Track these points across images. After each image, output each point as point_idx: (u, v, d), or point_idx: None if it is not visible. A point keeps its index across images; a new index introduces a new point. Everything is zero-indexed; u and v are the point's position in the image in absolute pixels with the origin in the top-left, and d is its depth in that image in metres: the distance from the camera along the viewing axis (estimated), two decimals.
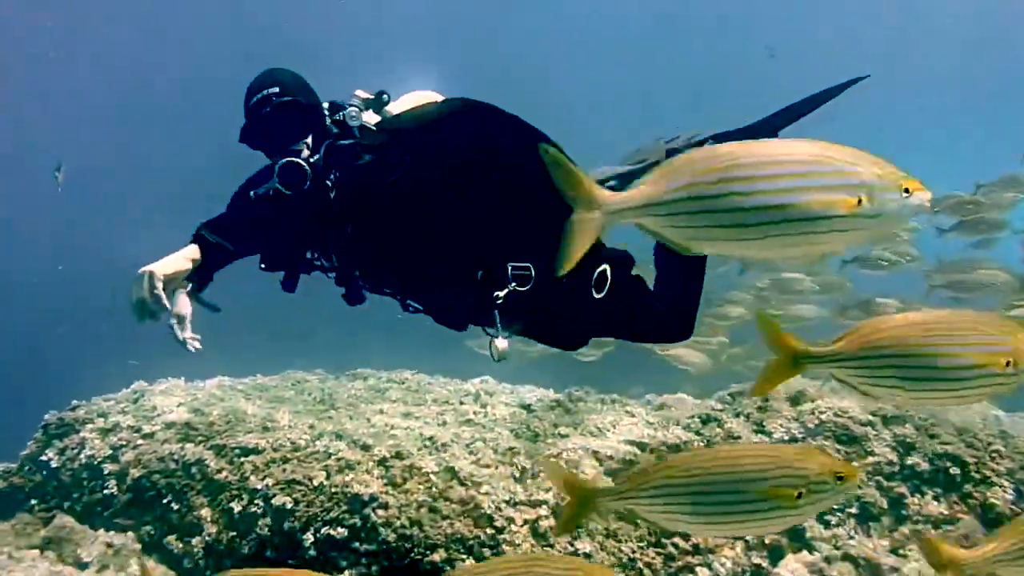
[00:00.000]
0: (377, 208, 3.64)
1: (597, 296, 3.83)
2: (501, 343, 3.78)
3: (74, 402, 6.11)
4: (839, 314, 8.18)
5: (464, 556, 4.89)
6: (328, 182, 3.57)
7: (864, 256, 8.42)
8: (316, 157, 3.58)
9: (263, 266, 3.86)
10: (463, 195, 3.61)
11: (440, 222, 3.68)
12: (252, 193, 3.59)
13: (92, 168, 24.47)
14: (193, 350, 3.40)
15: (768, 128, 4.34)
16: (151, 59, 29.14)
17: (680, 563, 4.97)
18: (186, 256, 3.52)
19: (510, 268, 3.70)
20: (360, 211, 3.63)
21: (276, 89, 3.60)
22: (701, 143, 4.46)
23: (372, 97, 3.68)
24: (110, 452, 5.49)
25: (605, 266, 3.83)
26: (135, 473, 5.32)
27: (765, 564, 4.90)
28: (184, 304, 3.47)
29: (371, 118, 3.66)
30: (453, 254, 3.78)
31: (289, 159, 3.54)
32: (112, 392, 6.30)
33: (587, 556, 4.89)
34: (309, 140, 3.62)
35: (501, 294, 3.70)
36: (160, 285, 3.25)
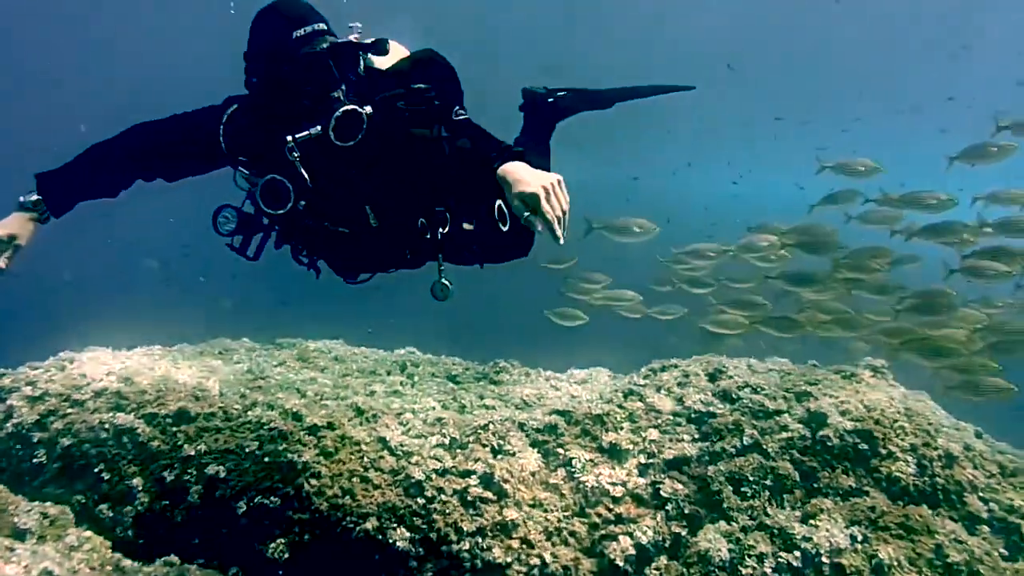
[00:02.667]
0: (401, 160, 3.82)
1: (504, 229, 4.10)
2: (447, 282, 4.04)
3: (0, 370, 6.04)
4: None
5: (395, 525, 5.01)
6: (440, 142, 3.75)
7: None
8: (368, 110, 3.63)
9: (229, 228, 3.90)
10: (436, 146, 3.74)
11: (420, 172, 3.89)
12: (291, 137, 3.59)
13: None
14: (3, 264, 3.35)
15: (607, 99, 4.95)
16: None
17: (604, 531, 5.16)
18: None
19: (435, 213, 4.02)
20: (397, 163, 3.81)
21: (324, 26, 3.61)
22: (552, 96, 4.94)
23: (369, 44, 3.75)
24: (39, 421, 5.45)
25: (499, 201, 4.08)
26: (65, 442, 5.30)
27: (684, 533, 5.11)
28: (26, 229, 3.47)
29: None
30: (420, 202, 4.00)
31: (352, 107, 3.58)
32: (38, 360, 6.21)
33: (514, 525, 5.05)
34: (344, 87, 3.67)
35: (438, 236, 4.04)
36: None
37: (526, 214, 2.99)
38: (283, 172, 3.70)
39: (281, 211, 3.73)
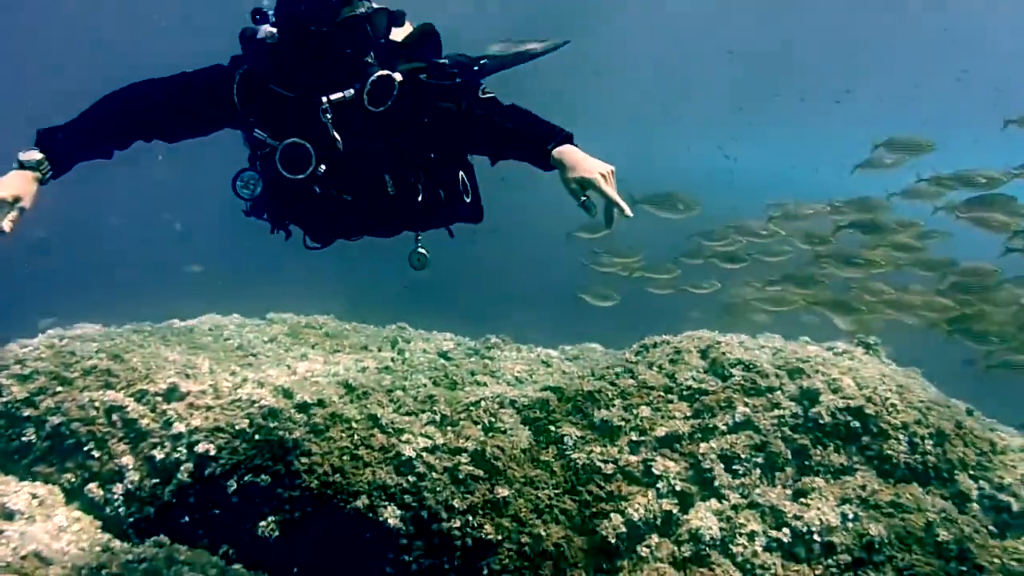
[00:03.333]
0: (430, 130, 3.91)
1: (467, 200, 4.26)
2: (424, 251, 4.11)
3: None
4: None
5: (386, 503, 5.00)
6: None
7: None
8: (399, 77, 3.67)
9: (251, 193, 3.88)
10: (471, 121, 3.81)
11: (448, 144, 4.02)
12: (326, 99, 3.60)
13: None
14: (7, 227, 3.15)
15: (513, 62, 5.42)
16: None
17: (595, 509, 5.16)
18: None
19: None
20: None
21: None
22: (476, 64, 5.03)
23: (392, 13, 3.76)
24: (28, 399, 5.43)
25: (461, 172, 4.24)
26: (54, 420, 5.28)
27: (675, 511, 5.10)
28: (29, 190, 3.27)
29: None
30: (435, 171, 4.14)
31: (385, 73, 3.63)
32: (27, 337, 6.18)
33: (506, 502, 5.05)
34: (373, 54, 3.70)
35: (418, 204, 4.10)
36: None
37: (583, 197, 3.20)
38: (303, 136, 3.69)
39: (301, 176, 3.71)
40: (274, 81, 3.68)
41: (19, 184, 3.24)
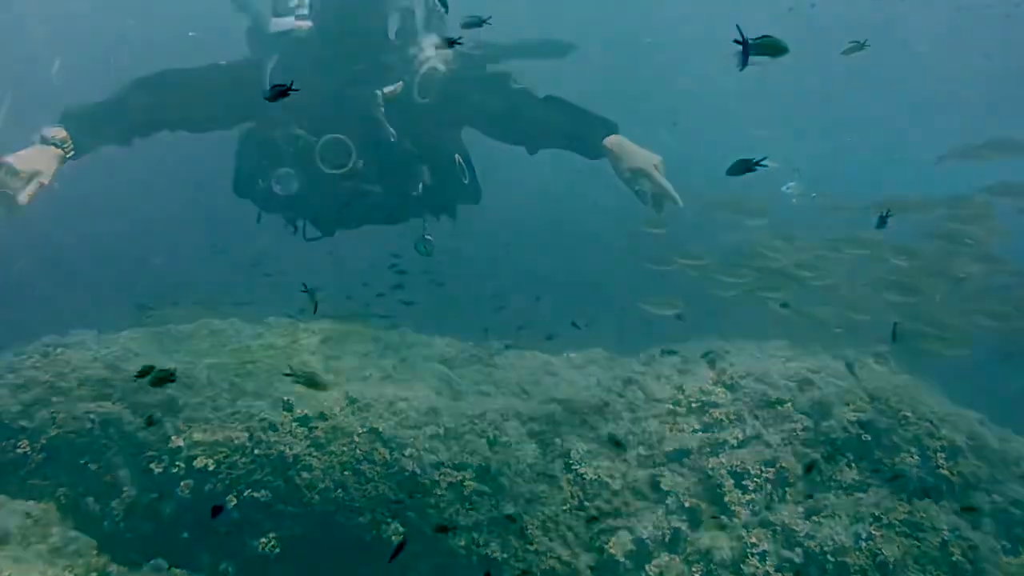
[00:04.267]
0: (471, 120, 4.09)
1: (465, 182, 4.20)
2: (430, 237, 4.10)
3: None
4: None
5: (389, 519, 4.91)
6: None
7: None
8: (442, 68, 3.74)
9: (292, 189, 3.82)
10: (511, 111, 3.87)
11: (488, 131, 4.09)
12: (380, 92, 3.62)
13: None
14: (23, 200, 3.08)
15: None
16: None
17: (602, 525, 5.08)
18: None
19: None
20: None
21: None
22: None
23: None
24: (23, 410, 5.31)
25: (457, 155, 4.17)
26: (50, 432, 5.17)
27: (685, 528, 5.02)
28: (50, 165, 3.20)
29: None
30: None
31: (433, 65, 3.68)
32: (21, 346, 6.05)
33: (511, 519, 4.96)
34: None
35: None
36: None
37: (636, 187, 3.33)
38: (343, 130, 3.66)
39: (344, 169, 3.69)
40: (315, 73, 3.60)
41: (41, 159, 3.19)
